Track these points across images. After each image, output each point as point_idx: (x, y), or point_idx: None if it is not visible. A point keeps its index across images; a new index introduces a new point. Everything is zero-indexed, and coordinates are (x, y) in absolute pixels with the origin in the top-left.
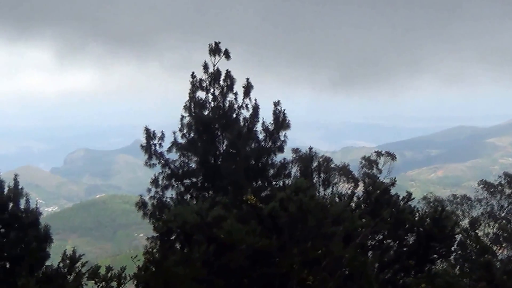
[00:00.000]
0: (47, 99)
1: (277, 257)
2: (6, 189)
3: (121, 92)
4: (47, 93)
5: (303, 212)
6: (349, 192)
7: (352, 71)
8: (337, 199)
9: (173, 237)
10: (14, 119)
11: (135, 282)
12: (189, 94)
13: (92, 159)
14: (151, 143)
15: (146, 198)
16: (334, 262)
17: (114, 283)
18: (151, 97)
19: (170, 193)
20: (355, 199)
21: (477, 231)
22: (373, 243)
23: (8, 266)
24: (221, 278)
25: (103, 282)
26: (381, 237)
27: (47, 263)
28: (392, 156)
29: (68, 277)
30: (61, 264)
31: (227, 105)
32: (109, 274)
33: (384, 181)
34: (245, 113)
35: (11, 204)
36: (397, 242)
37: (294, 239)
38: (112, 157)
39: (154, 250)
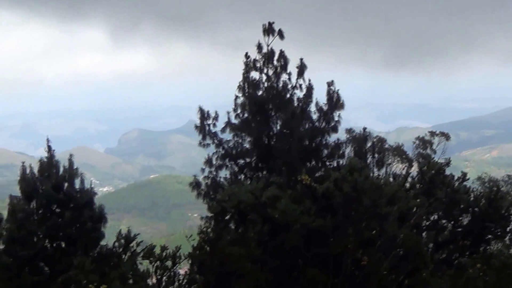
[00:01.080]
0: (102, 80)
1: (332, 237)
2: (61, 170)
3: (174, 72)
4: (102, 74)
5: (357, 192)
6: (403, 172)
7: (406, 50)
8: (391, 179)
9: (227, 217)
10: (70, 100)
11: (190, 262)
12: (243, 74)
13: (146, 139)
14: (205, 123)
15: (200, 178)
16: (389, 242)
17: (169, 263)
18: (205, 77)
19: (224, 173)
20: (409, 179)
21: None
22: (427, 223)
23: (63, 245)
24: (276, 258)
25: (158, 262)
26: (436, 217)
27: (102, 243)
28: (446, 136)
29: (123, 256)
30: (116, 244)
31: (280, 85)
32: (164, 254)
33: (438, 161)
34: (299, 93)
35: (66, 184)
36: (452, 222)
37: (348, 219)
38: (166, 137)
39: (209, 230)
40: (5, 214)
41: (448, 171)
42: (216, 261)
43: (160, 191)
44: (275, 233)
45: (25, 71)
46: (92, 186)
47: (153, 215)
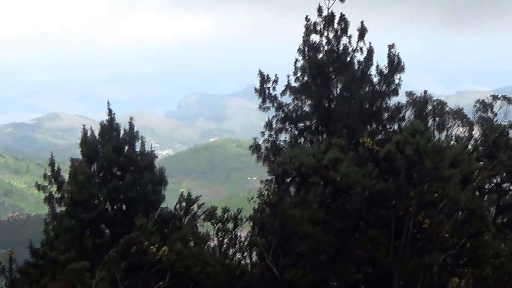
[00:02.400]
0: (162, 43)
1: (393, 200)
2: (122, 133)
3: (234, 35)
4: (162, 38)
5: (419, 155)
6: (464, 135)
7: (467, 9)
8: (454, 142)
9: (288, 180)
10: (131, 64)
11: (251, 224)
12: (303, 37)
13: (206, 103)
14: (265, 86)
15: (260, 141)
16: (451, 205)
17: (230, 225)
18: (264, 40)
19: (283, 137)
20: (472, 141)
21: None
22: (490, 186)
23: (124, 208)
24: (338, 220)
25: (219, 224)
26: (498, 180)
27: (162, 205)
28: (508, 100)
29: (184, 219)
30: (178, 206)
31: (341, 48)
32: (225, 216)
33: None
34: (359, 56)
35: (126, 147)
36: None
37: (410, 181)
38: (225, 101)
39: (270, 192)
40: (66, 177)
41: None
42: (277, 223)
43: (220, 154)
44: (337, 196)
45: (85, 35)
46: (152, 149)
47: (213, 178)
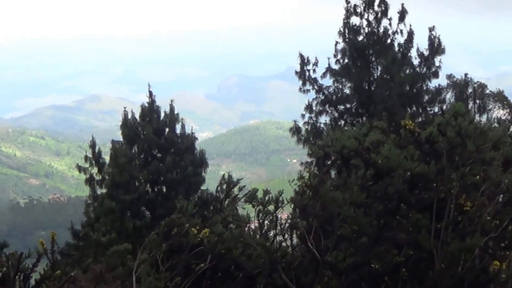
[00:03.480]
0: (201, 25)
1: (435, 182)
2: (162, 115)
3: (274, 18)
4: (202, 20)
5: (462, 137)
6: (506, 118)
7: None
8: (496, 124)
9: (328, 162)
10: (171, 46)
11: (291, 206)
12: (343, 19)
13: (245, 85)
14: (305, 69)
15: (300, 124)
16: (493, 187)
17: (271, 207)
18: (304, 23)
19: (324, 119)
20: None
21: None
22: None
23: (164, 190)
24: (379, 203)
25: (260, 206)
26: None
27: (202, 187)
28: None
29: (224, 202)
30: (219, 188)
31: (381, 30)
32: (266, 198)
33: None
34: (400, 39)
35: (167, 130)
36: None
37: (452, 164)
38: (265, 83)
39: (310, 175)
40: (107, 159)
41: None
42: (318, 206)
43: (259, 136)
44: (378, 178)
45: (126, 18)
46: (193, 131)
47: (252, 161)
